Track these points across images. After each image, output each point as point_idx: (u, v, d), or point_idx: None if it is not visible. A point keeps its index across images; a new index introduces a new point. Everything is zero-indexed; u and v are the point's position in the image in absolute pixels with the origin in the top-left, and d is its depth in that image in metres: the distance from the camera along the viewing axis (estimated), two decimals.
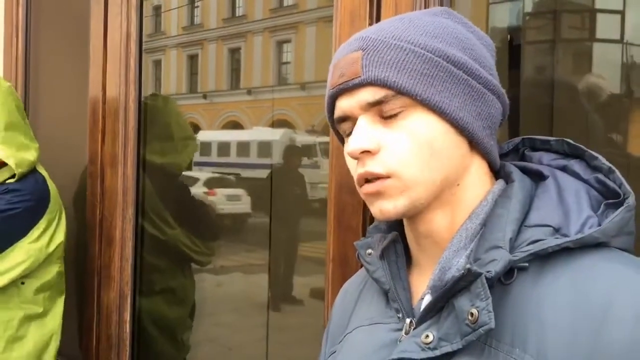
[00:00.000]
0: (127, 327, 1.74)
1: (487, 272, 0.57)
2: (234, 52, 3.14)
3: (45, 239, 1.57)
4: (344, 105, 0.66)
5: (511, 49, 1.30)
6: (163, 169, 1.98)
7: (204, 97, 3.27)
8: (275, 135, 2.63)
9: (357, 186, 0.67)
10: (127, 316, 1.73)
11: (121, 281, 1.74)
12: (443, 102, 0.63)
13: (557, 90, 1.27)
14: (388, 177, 0.63)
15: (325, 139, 2.50)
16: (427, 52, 0.63)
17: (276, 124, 2.63)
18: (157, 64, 3.32)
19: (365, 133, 0.64)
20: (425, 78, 0.62)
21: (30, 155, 1.63)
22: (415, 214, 0.66)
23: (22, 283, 1.56)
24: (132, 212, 1.72)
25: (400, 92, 0.62)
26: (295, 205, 2.09)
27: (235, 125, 3.06)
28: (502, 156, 0.73)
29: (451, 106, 0.63)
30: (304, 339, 1.83)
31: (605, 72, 1.26)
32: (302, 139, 2.59)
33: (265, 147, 2.76)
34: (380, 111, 0.64)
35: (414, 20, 0.66)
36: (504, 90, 0.69)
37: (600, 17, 1.33)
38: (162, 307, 1.96)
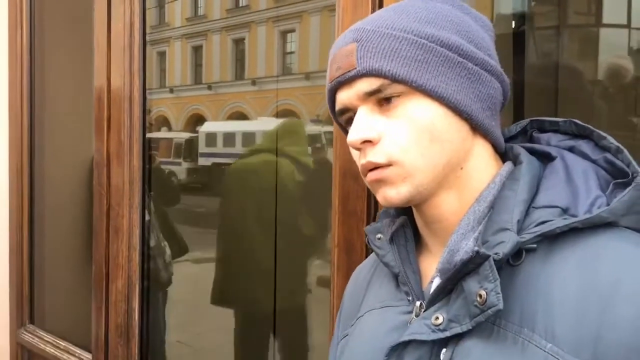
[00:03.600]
0: (136, 316, 1.75)
1: (495, 254, 0.57)
2: (238, 43, 3.14)
3: None
4: (343, 97, 0.67)
5: (516, 35, 1.30)
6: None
7: (209, 88, 3.28)
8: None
9: (361, 175, 0.68)
10: (136, 304, 1.75)
11: (129, 270, 1.75)
12: (439, 86, 0.63)
13: (562, 76, 1.27)
14: (389, 165, 0.64)
15: (330, 128, 2.49)
16: (420, 38, 0.63)
17: (281, 114, 2.63)
18: (162, 55, 3.33)
19: (364, 123, 0.64)
20: (420, 64, 0.63)
21: None
22: (421, 200, 0.66)
23: None
24: (139, 201, 1.73)
25: (395, 80, 0.63)
26: (301, 194, 2.09)
27: (240, 115, 3.06)
28: (511, 138, 0.73)
29: (447, 90, 0.63)
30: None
31: (611, 57, 1.26)
32: (307, 128, 2.59)
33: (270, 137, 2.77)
34: (379, 100, 0.65)
35: (407, 8, 0.67)
36: (502, 70, 0.68)
37: (606, 1, 1.32)
38: None
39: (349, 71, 0.65)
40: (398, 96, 0.64)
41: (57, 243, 2.30)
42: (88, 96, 2.09)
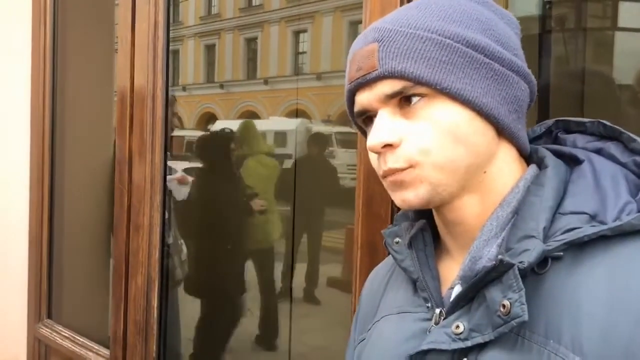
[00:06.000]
0: (155, 313, 1.76)
1: (520, 262, 0.55)
2: (251, 42, 3.15)
3: None
4: (363, 99, 0.65)
5: (531, 37, 1.30)
6: None
7: (221, 87, 3.29)
8: (291, 125, 2.64)
9: (380, 178, 0.66)
10: (155, 302, 1.76)
11: (149, 267, 1.76)
12: (464, 89, 0.60)
13: (586, 79, 1.27)
14: (410, 167, 0.61)
15: (341, 128, 2.50)
16: (445, 38, 0.61)
17: (293, 113, 2.64)
18: (175, 54, 3.34)
19: (385, 126, 0.62)
20: (444, 65, 0.60)
21: None
22: (440, 202, 0.64)
23: None
24: (160, 199, 1.74)
25: (418, 82, 0.60)
26: (317, 194, 2.10)
27: (252, 115, 3.07)
28: (535, 139, 0.71)
29: (473, 93, 0.60)
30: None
31: (627, 61, 1.26)
32: (319, 128, 2.60)
33: (281, 137, 2.77)
34: (400, 103, 0.62)
35: (430, 5, 0.64)
36: (529, 70, 0.65)
37: (622, 5, 1.33)
38: None
39: (370, 73, 0.62)
40: (420, 98, 0.61)
41: (76, 239, 2.32)
42: (109, 94, 2.11)
